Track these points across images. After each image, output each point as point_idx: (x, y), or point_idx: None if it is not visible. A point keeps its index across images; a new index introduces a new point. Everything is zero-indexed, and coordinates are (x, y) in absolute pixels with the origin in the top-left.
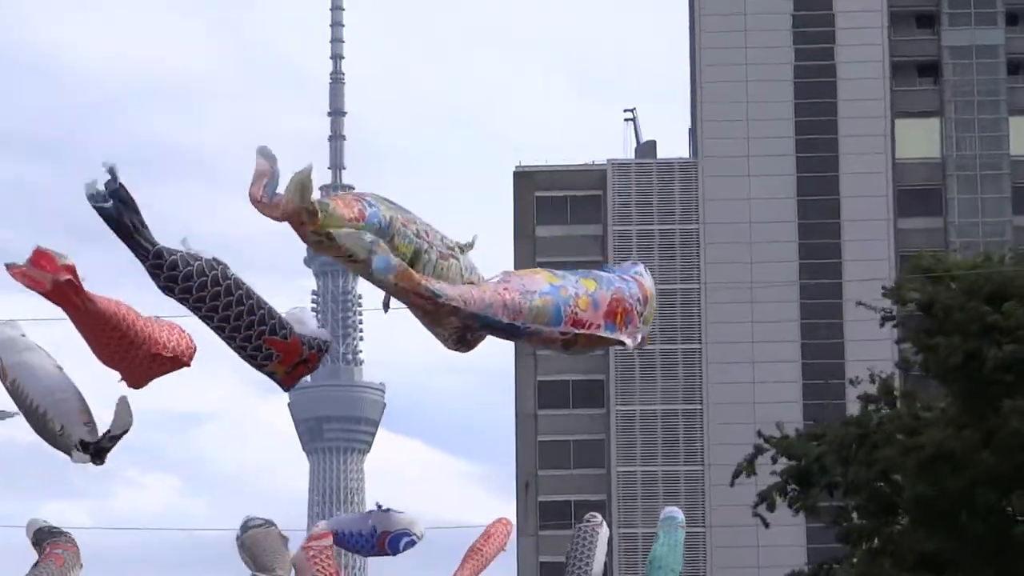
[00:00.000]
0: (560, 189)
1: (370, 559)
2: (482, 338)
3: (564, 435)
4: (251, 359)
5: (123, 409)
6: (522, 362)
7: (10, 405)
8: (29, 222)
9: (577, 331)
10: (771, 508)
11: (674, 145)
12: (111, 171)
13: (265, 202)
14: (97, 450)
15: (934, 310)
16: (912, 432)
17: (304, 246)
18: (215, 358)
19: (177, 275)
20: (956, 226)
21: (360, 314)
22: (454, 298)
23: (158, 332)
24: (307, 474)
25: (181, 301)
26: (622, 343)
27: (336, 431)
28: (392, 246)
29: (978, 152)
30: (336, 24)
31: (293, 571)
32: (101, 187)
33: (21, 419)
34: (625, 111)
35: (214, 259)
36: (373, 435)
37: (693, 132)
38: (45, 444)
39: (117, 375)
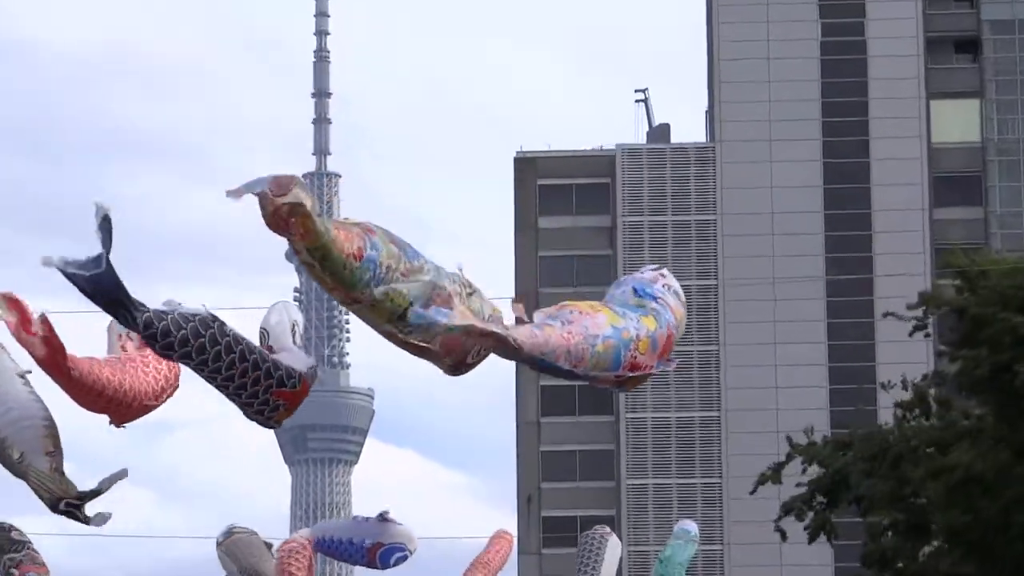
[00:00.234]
0: (565, 177)
1: (357, 568)
2: (483, 359)
3: (569, 445)
4: (258, 414)
5: (115, 477)
6: (523, 366)
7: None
8: None
9: (632, 374)
10: (800, 517)
11: (689, 128)
12: (104, 217)
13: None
14: (67, 510)
15: (965, 319)
16: (940, 445)
17: (285, 240)
18: None
19: (172, 341)
20: (997, 216)
21: (346, 313)
22: (522, 339)
23: (143, 381)
24: (289, 487)
25: (182, 363)
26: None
27: (321, 440)
28: (390, 301)
29: (1021, 135)
30: None
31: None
32: (71, 258)
33: None
34: (636, 91)
35: (209, 316)
36: (361, 445)
37: (710, 114)
38: None
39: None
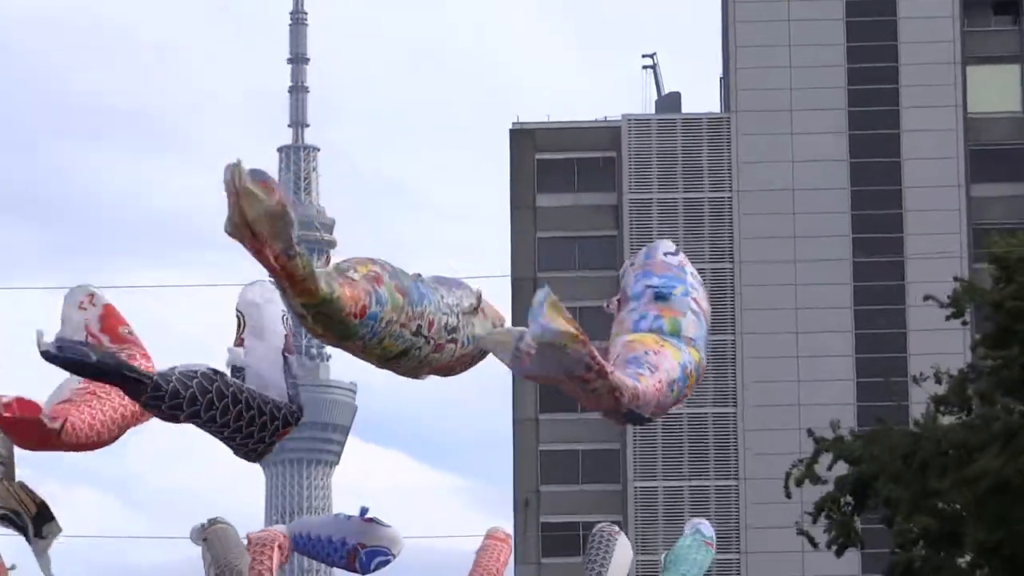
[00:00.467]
0: (566, 150)
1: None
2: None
3: (571, 443)
4: (250, 451)
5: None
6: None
7: None
8: None
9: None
10: (830, 516)
11: (702, 97)
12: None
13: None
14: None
15: (1000, 313)
16: (967, 448)
17: None
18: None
19: (181, 402)
20: None
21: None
22: (627, 391)
23: (131, 416)
24: (263, 491)
25: (189, 422)
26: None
27: (298, 439)
28: (381, 347)
29: None
30: None
31: None
32: (50, 338)
33: None
34: (643, 57)
35: (210, 370)
36: (342, 444)
37: (725, 82)
38: None
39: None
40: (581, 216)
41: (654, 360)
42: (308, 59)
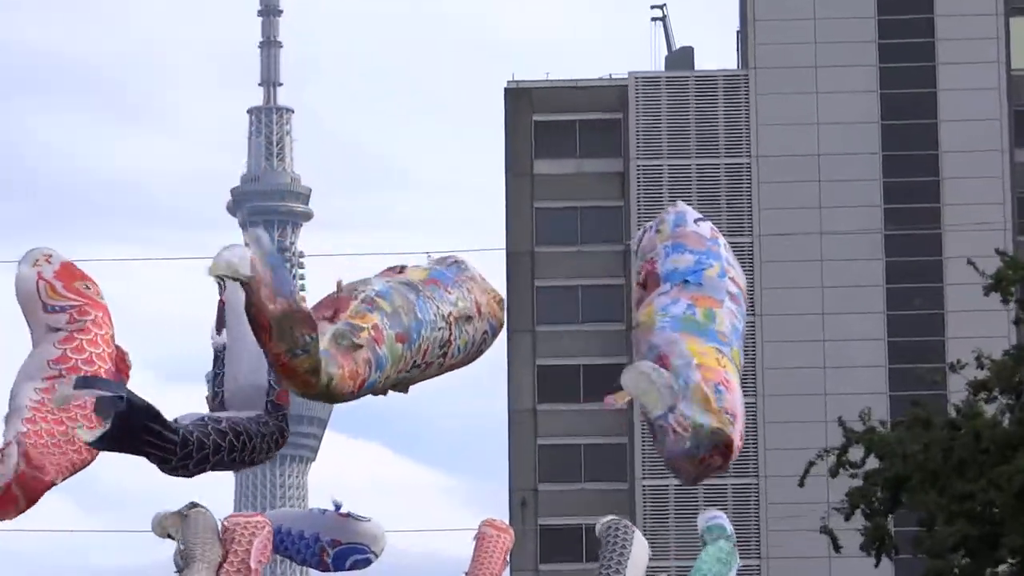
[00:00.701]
0: (566, 111)
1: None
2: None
3: (572, 437)
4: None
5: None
6: (517, 342)
7: None
8: None
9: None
10: (857, 506)
11: (717, 53)
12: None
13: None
14: None
15: None
16: (1008, 444)
17: (227, 189)
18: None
19: (208, 453)
20: None
21: (303, 277)
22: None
23: (82, 463)
24: (232, 489)
25: (213, 470)
26: None
27: None
28: (374, 390)
29: None
30: None
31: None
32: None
33: None
34: (652, 8)
35: (226, 424)
36: (319, 438)
37: (742, 35)
38: None
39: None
40: (583, 184)
41: (730, 403)
42: (281, 11)
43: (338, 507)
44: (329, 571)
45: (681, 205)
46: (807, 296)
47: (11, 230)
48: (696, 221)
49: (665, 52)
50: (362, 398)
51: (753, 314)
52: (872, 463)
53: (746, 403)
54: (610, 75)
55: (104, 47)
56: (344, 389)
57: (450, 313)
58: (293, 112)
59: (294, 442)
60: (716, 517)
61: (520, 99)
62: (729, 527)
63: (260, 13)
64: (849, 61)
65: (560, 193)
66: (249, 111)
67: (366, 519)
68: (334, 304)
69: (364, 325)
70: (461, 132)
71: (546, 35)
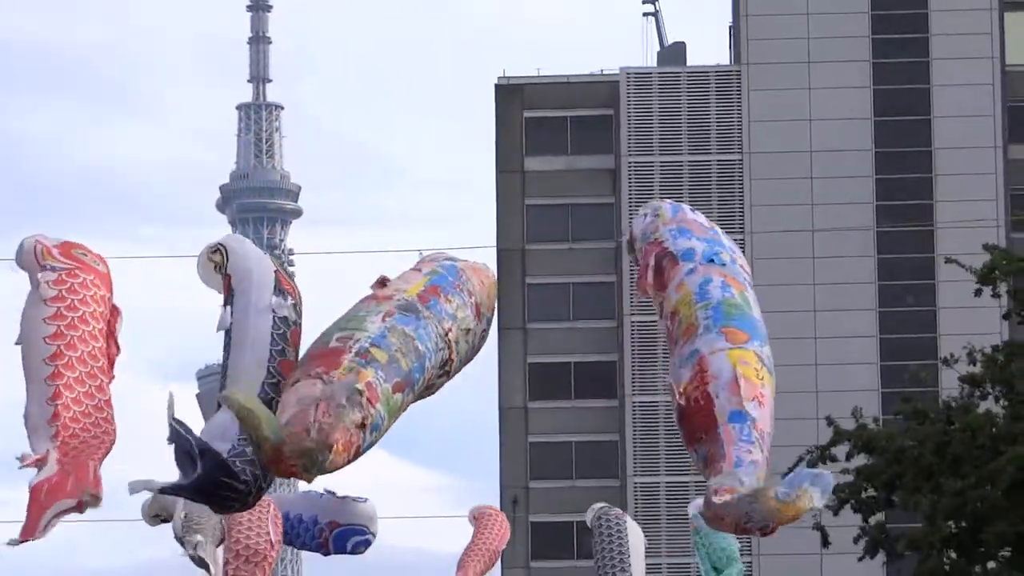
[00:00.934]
0: (557, 108)
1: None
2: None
3: (563, 435)
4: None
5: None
6: (508, 339)
7: None
8: None
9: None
10: (844, 504)
11: (709, 48)
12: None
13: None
14: None
15: None
16: (1004, 439)
17: (216, 186)
18: None
19: (261, 485)
20: None
21: (292, 276)
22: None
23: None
24: None
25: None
26: None
27: None
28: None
29: None
30: None
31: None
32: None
33: None
34: (644, 3)
35: (241, 455)
36: None
37: (734, 30)
38: None
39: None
40: (574, 181)
41: (761, 426)
42: (270, 6)
43: (329, 493)
44: (330, 554)
45: (671, 202)
46: (799, 293)
47: None
48: (692, 211)
49: (657, 48)
50: None
51: None
52: (859, 461)
53: None
54: (601, 71)
55: (93, 42)
56: (338, 464)
57: (449, 330)
58: (283, 109)
59: None
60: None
61: (511, 95)
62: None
63: (249, 8)
64: (842, 57)
65: (551, 190)
66: (238, 107)
67: (363, 499)
68: (324, 359)
69: (358, 386)
70: (451, 128)
71: (537, 31)
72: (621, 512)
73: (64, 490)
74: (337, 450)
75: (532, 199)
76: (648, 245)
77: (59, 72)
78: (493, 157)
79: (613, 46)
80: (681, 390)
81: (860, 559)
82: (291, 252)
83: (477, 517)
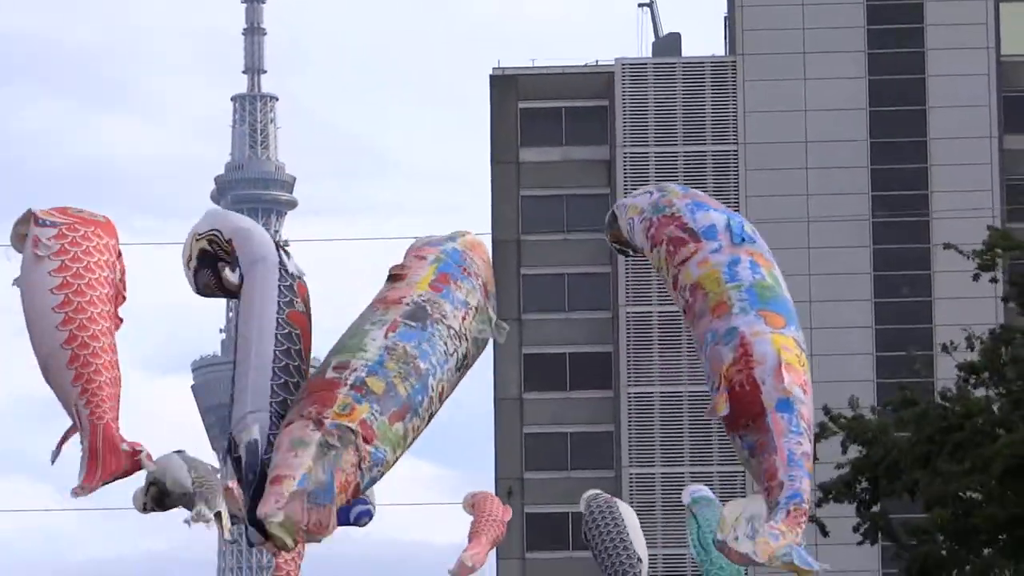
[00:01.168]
0: (552, 98)
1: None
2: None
3: (559, 425)
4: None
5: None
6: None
7: None
8: None
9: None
10: (839, 500)
11: (704, 39)
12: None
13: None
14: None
15: None
16: (1005, 425)
17: (211, 178)
18: None
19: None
20: None
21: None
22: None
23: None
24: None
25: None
26: None
27: None
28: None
29: None
30: None
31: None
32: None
33: None
34: None
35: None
36: None
37: (729, 21)
38: None
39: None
40: (569, 172)
41: (807, 415)
42: None
43: None
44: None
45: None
46: (794, 284)
47: None
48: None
49: (652, 38)
50: None
51: None
52: (853, 454)
53: None
54: (596, 62)
55: (87, 33)
56: (338, 502)
57: (464, 317)
58: (277, 100)
59: None
60: (699, 490)
61: (506, 86)
62: (714, 497)
63: (244, 0)
64: (837, 47)
65: (546, 181)
66: (233, 99)
67: None
68: (320, 395)
69: (351, 426)
70: (446, 119)
71: (532, 21)
72: (610, 496)
73: (111, 465)
74: (337, 483)
75: (527, 190)
76: (663, 218)
77: (54, 64)
78: (488, 148)
79: (608, 37)
80: (724, 372)
81: (860, 543)
82: (286, 243)
83: (475, 502)
